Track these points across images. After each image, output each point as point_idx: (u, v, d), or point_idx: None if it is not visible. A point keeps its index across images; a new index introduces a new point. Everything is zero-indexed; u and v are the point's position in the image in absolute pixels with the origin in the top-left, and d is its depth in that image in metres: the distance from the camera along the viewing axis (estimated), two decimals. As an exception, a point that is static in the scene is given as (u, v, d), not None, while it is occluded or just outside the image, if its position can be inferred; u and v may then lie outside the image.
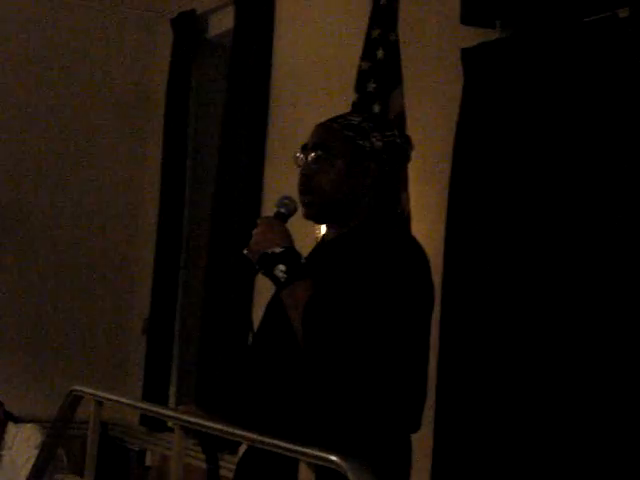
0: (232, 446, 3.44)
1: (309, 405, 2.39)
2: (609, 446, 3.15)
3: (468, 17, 3.77)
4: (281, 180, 4.91)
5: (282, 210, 2.55)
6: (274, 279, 2.43)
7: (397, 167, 2.57)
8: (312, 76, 4.99)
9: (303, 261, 2.45)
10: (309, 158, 2.54)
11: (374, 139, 2.52)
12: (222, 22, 5.96)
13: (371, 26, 4.07)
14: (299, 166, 2.57)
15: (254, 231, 2.49)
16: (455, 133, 3.79)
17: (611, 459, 3.14)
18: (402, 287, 2.37)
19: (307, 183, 2.54)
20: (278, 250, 2.42)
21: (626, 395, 3.11)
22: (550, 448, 3.33)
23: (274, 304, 2.54)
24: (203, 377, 5.48)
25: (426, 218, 3.98)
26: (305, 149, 2.57)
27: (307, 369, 2.38)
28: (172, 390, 6.22)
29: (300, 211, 2.57)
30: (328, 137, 2.54)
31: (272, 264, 2.42)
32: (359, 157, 2.52)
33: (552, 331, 3.38)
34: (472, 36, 3.82)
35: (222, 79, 5.79)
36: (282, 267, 2.41)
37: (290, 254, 2.42)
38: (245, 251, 2.48)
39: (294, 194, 2.58)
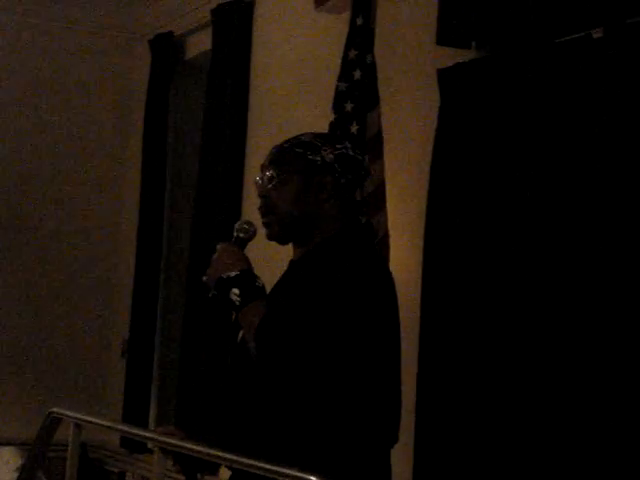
0: (212, 467, 3.44)
1: (284, 424, 2.39)
2: (597, 457, 3.15)
3: (444, 38, 3.79)
4: (259, 200, 4.90)
5: (241, 235, 2.56)
6: (230, 303, 2.44)
7: (354, 179, 2.58)
8: (290, 97, 5.01)
9: (259, 284, 2.45)
10: (264, 178, 2.57)
11: (325, 152, 2.53)
12: (200, 43, 5.97)
13: (348, 47, 4.09)
14: (257, 188, 2.59)
15: (212, 257, 2.50)
16: (432, 152, 3.81)
17: (601, 470, 3.15)
18: (359, 304, 2.37)
19: (265, 203, 2.57)
20: (233, 274, 2.44)
21: (615, 399, 3.11)
22: (533, 461, 3.33)
23: (234, 328, 2.56)
24: (183, 398, 5.47)
25: (404, 236, 4.00)
26: (261, 170, 2.60)
27: (267, 389, 2.39)
28: (152, 412, 6.20)
29: (264, 233, 2.58)
30: (280, 157, 2.56)
31: (227, 288, 2.43)
32: (312, 172, 2.53)
33: (531, 344, 3.39)
34: (448, 57, 3.85)
35: (200, 100, 5.80)
36: (236, 290, 2.42)
37: (245, 277, 2.44)
38: (204, 278, 2.50)
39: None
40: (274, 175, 2.54)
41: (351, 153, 2.55)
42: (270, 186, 2.55)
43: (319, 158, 2.53)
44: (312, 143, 2.56)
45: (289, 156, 2.55)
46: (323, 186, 2.53)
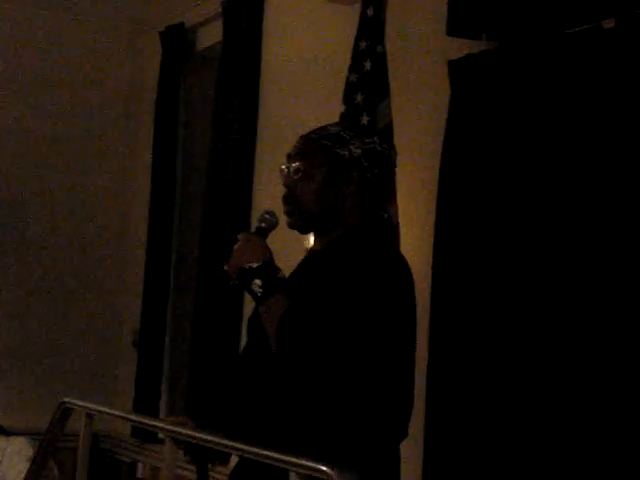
0: (223, 457, 3.47)
1: (297, 415, 2.41)
2: (602, 453, 3.15)
3: (454, 29, 3.80)
4: (270, 192, 4.92)
5: (263, 225, 2.57)
6: (252, 294, 2.45)
7: (380, 174, 2.58)
8: (300, 88, 5.02)
9: (281, 275, 2.47)
10: (291, 169, 2.58)
11: (353, 147, 2.54)
12: (211, 35, 5.98)
13: (358, 38, 4.10)
14: (283, 177, 2.60)
15: (234, 247, 2.51)
16: (442, 144, 3.81)
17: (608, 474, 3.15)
18: (380, 298, 2.39)
19: (289, 194, 2.58)
20: (255, 265, 2.44)
21: (622, 402, 3.11)
22: (543, 458, 3.34)
23: (255, 318, 2.56)
24: (194, 388, 5.49)
25: (414, 229, 4.00)
26: (288, 160, 2.61)
27: (286, 380, 2.40)
28: (163, 401, 6.22)
29: (285, 221, 2.59)
30: (308, 148, 2.57)
31: (249, 279, 2.44)
32: (339, 166, 2.54)
33: (541, 341, 3.40)
34: (459, 48, 3.85)
35: (211, 92, 5.81)
36: (258, 282, 2.43)
37: (267, 269, 2.45)
38: (225, 267, 2.51)
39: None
40: (300, 167, 2.55)
41: (379, 148, 2.55)
42: (296, 177, 2.56)
43: (347, 152, 2.54)
44: (340, 136, 2.56)
45: (317, 148, 2.55)
46: (349, 180, 2.54)
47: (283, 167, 2.60)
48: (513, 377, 3.47)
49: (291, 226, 2.60)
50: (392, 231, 3.75)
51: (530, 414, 3.39)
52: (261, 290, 2.43)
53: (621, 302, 3.15)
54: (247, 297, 5.09)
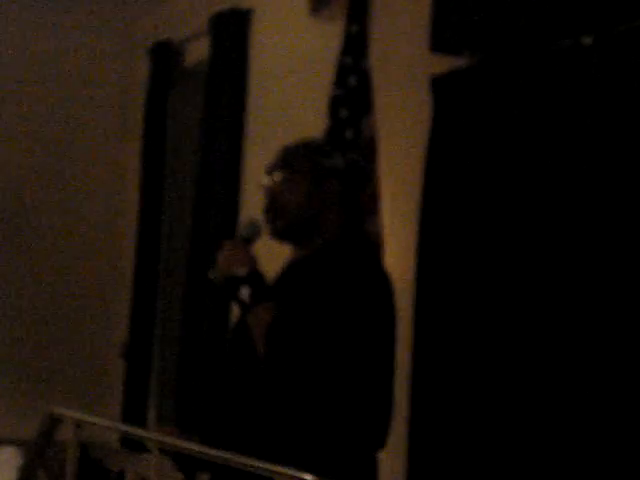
0: (210, 465, 3.50)
1: (279, 423, 2.45)
2: (594, 463, 3.14)
3: (437, 45, 3.83)
4: (257, 203, 4.94)
5: (247, 233, 2.60)
6: (239, 302, 2.48)
7: (359, 187, 2.64)
8: (287, 103, 5.05)
9: (267, 283, 2.50)
10: (273, 179, 2.62)
11: (335, 159, 2.60)
12: (199, 51, 6.00)
13: (343, 54, 4.14)
14: (265, 187, 2.64)
15: (219, 254, 2.54)
16: (425, 159, 3.83)
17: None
18: (362, 310, 2.43)
19: (271, 203, 2.62)
20: (242, 273, 2.48)
21: (612, 399, 3.10)
22: (530, 468, 3.33)
23: (240, 326, 2.59)
24: (182, 398, 5.51)
25: (397, 243, 4.03)
26: (270, 170, 2.65)
27: (272, 389, 2.44)
28: (151, 411, 6.24)
29: (266, 230, 2.63)
30: (290, 158, 2.62)
31: (236, 287, 2.48)
32: (321, 177, 2.59)
33: (525, 350, 3.39)
34: (441, 64, 3.89)
35: (199, 108, 5.83)
36: (245, 290, 2.46)
37: (254, 277, 2.48)
38: (211, 274, 2.54)
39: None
40: (284, 176, 2.60)
41: (360, 161, 2.62)
42: (279, 187, 2.60)
43: (329, 164, 2.59)
44: (323, 148, 2.62)
45: (301, 159, 2.61)
46: (330, 192, 2.59)
47: (266, 178, 2.64)
48: (497, 389, 3.46)
49: (272, 236, 2.63)
50: (372, 244, 3.80)
51: (514, 426, 3.38)
52: (249, 298, 2.46)
53: (609, 311, 3.13)
54: (234, 306, 5.13)
